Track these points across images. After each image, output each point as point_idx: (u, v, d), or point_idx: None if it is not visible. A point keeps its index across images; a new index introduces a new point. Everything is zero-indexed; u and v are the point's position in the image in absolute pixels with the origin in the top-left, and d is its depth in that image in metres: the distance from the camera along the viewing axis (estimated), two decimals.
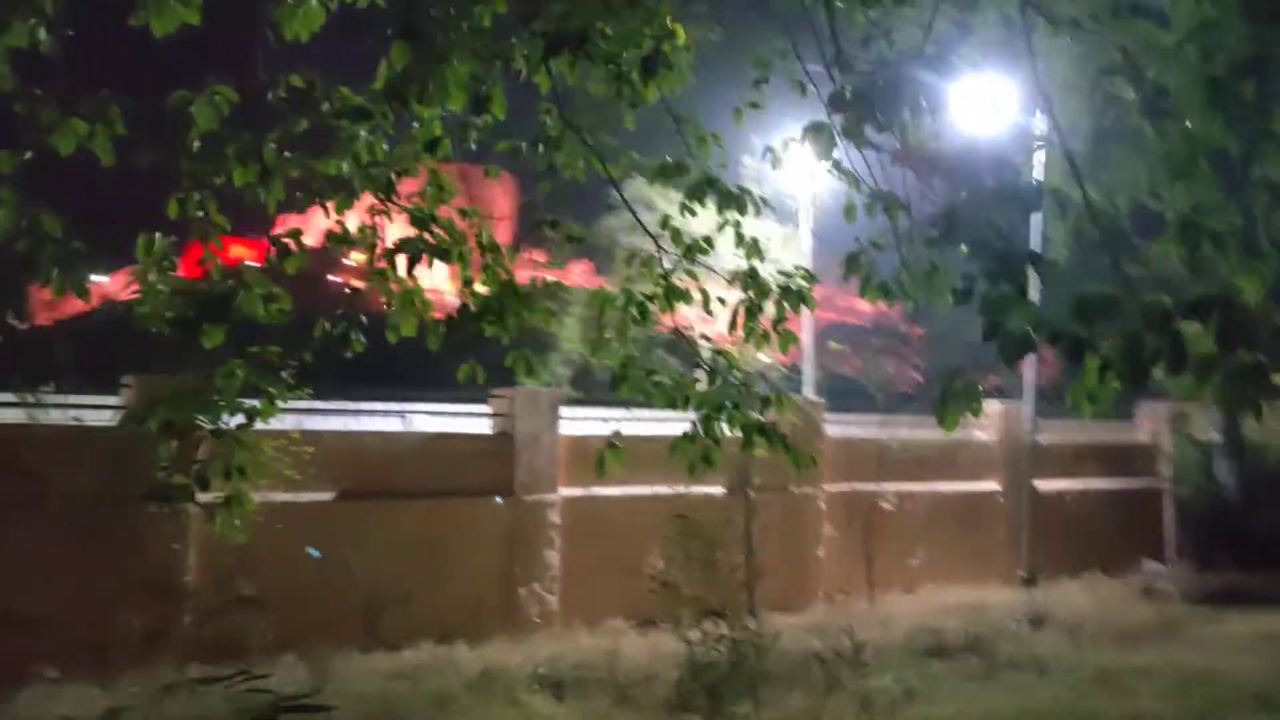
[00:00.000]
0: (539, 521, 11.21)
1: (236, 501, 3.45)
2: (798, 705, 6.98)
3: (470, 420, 11.53)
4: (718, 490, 12.44)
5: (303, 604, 9.50)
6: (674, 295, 4.53)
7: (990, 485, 15.04)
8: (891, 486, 13.99)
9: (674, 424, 12.24)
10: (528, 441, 11.27)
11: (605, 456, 4.67)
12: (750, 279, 4.56)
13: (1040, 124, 15.08)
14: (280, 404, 3.98)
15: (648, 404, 4.51)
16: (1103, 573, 15.29)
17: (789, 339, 4.67)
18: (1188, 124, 3.25)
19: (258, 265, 4.11)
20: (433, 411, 11.50)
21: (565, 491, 11.48)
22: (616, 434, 4.71)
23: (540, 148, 4.08)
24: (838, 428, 14.00)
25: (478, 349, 4.54)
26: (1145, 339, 2.67)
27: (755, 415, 4.43)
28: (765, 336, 4.64)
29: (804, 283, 4.59)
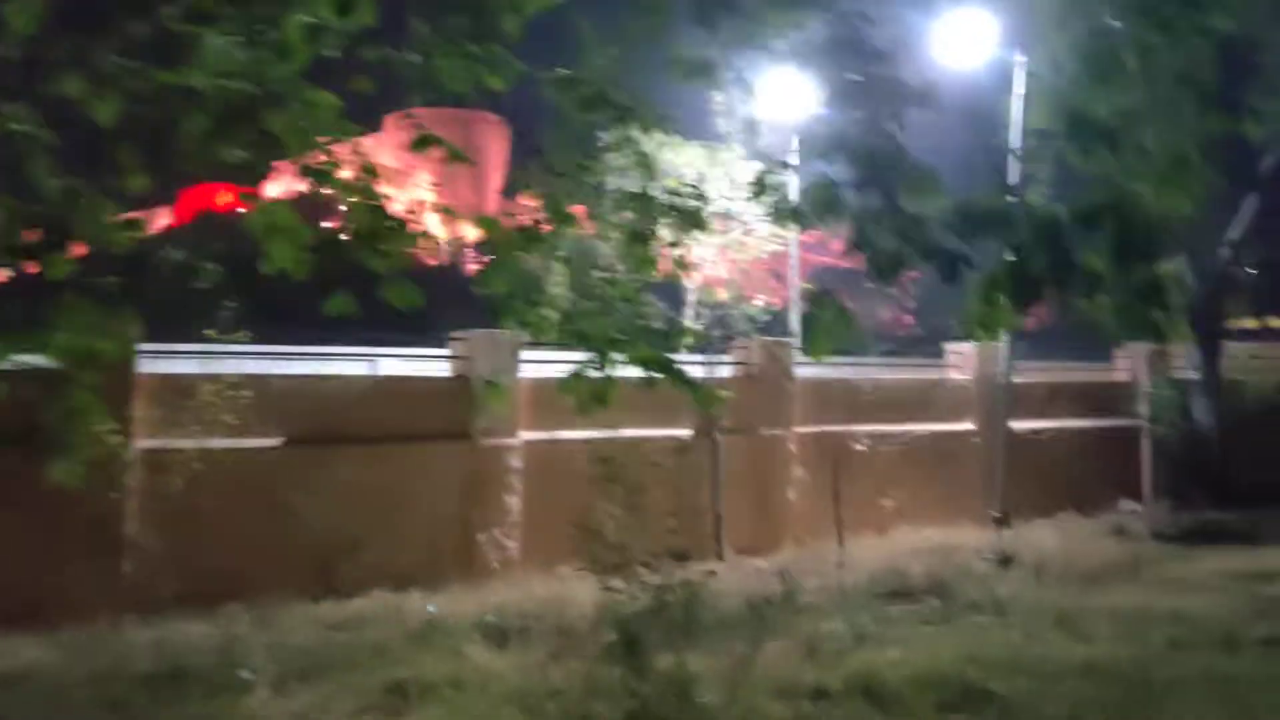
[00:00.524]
0: (498, 466, 10.98)
1: (77, 446, 3.15)
2: (733, 654, 6.72)
3: (429, 364, 11.27)
4: (684, 433, 12.23)
5: (250, 553, 9.32)
6: (564, 220, 4.20)
7: (965, 425, 14.83)
8: (864, 428, 13.79)
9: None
10: (484, 384, 10.99)
11: (578, 392, 4.29)
12: (638, 200, 4.24)
13: (1020, 58, 14.62)
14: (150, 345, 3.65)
15: (536, 337, 4.17)
16: (1078, 512, 15.15)
17: (682, 266, 4.36)
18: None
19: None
20: (389, 355, 11.24)
21: (526, 435, 11.23)
22: (504, 372, 4.36)
23: (417, 57, 3.74)
24: (810, 369, 13.74)
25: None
26: (1034, 254, 2.39)
27: (659, 350, 4.09)
28: (649, 262, 4.31)
29: (695, 203, 4.27)
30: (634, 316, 4.18)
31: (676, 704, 5.62)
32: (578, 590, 10.13)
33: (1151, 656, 6.79)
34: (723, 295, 36.43)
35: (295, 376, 10.26)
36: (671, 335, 4.31)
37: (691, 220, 4.35)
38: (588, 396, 4.02)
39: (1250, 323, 34.71)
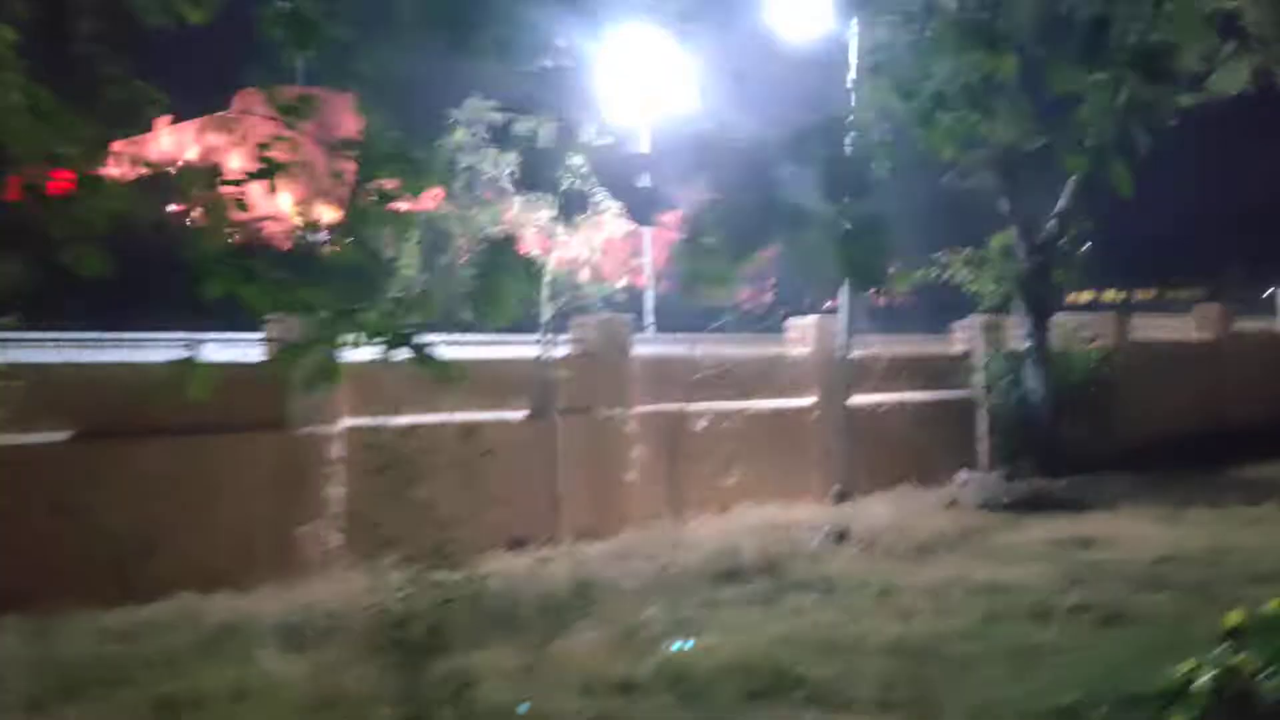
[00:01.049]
0: (317, 455, 10.40)
1: None
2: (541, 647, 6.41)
3: (245, 349, 10.58)
4: (517, 415, 11.86)
5: (34, 557, 8.58)
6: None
7: (806, 401, 14.82)
8: (704, 406, 13.62)
9: (486, 346, 11.48)
10: (301, 369, 10.38)
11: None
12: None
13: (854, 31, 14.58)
14: None
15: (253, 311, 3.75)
16: (919, 484, 15.35)
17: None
18: None
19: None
20: (198, 340, 10.49)
21: (350, 422, 10.67)
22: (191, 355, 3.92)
23: None
24: (649, 347, 13.51)
25: None
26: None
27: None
28: (378, 217, 3.93)
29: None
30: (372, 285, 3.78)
31: (455, 707, 5.26)
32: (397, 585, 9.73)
33: (966, 630, 6.74)
34: (579, 275, 35.97)
35: (84, 365, 9.51)
36: (418, 307, 3.93)
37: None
38: (315, 373, 3.60)
39: (1085, 295, 36.16)
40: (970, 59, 3.32)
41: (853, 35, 15.59)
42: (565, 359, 12.37)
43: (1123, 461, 14.95)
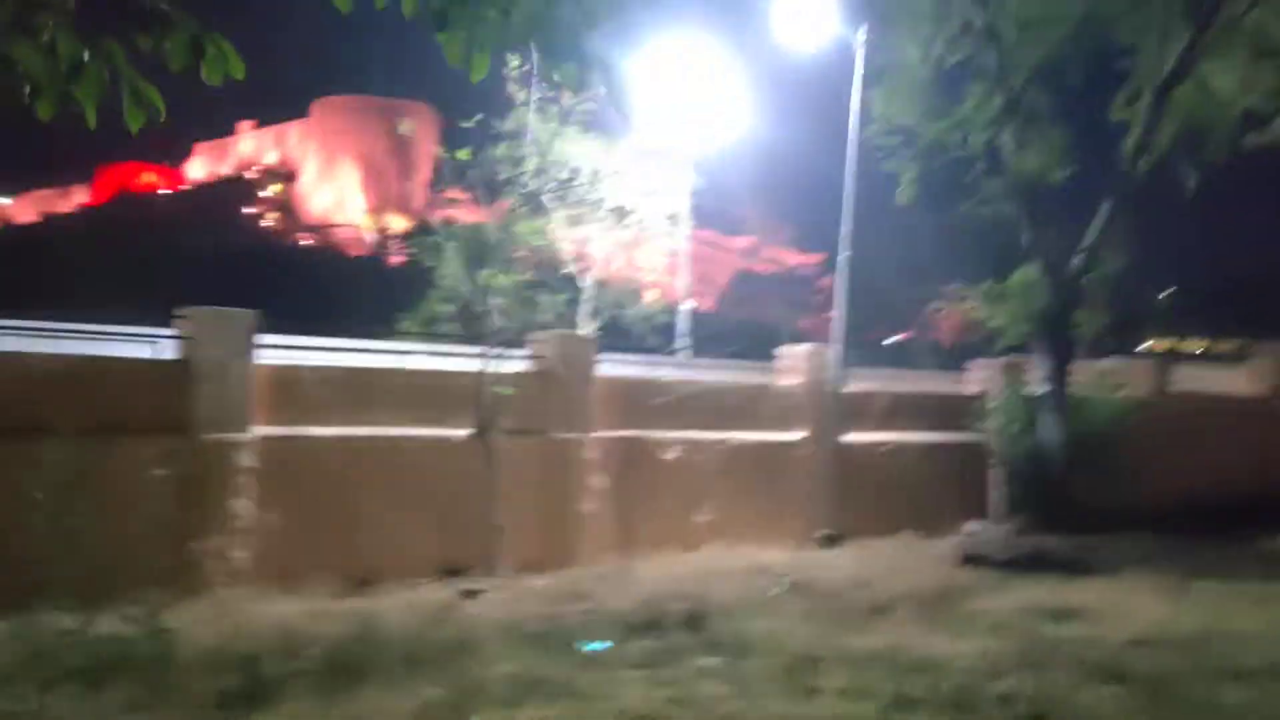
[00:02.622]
0: (223, 464, 9.56)
1: None
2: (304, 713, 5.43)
3: (146, 345, 9.83)
4: (458, 433, 10.94)
5: None
6: None
7: (794, 435, 13.71)
8: (676, 434, 12.59)
9: (405, 356, 10.56)
10: (211, 370, 9.58)
11: None
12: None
13: (862, 39, 13.50)
14: None
15: None
16: (919, 533, 14.16)
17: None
18: None
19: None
20: (96, 334, 9.78)
21: (263, 430, 9.84)
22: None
23: None
24: (617, 368, 12.52)
25: None
26: None
27: None
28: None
29: None
30: None
31: None
32: (287, 611, 8.87)
33: (854, 717, 5.64)
34: (623, 292, 34.89)
35: None
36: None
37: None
38: None
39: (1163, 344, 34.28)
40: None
41: (859, 45, 14.60)
42: (518, 375, 11.45)
43: (1144, 522, 13.55)
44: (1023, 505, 14.43)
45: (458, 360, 11.40)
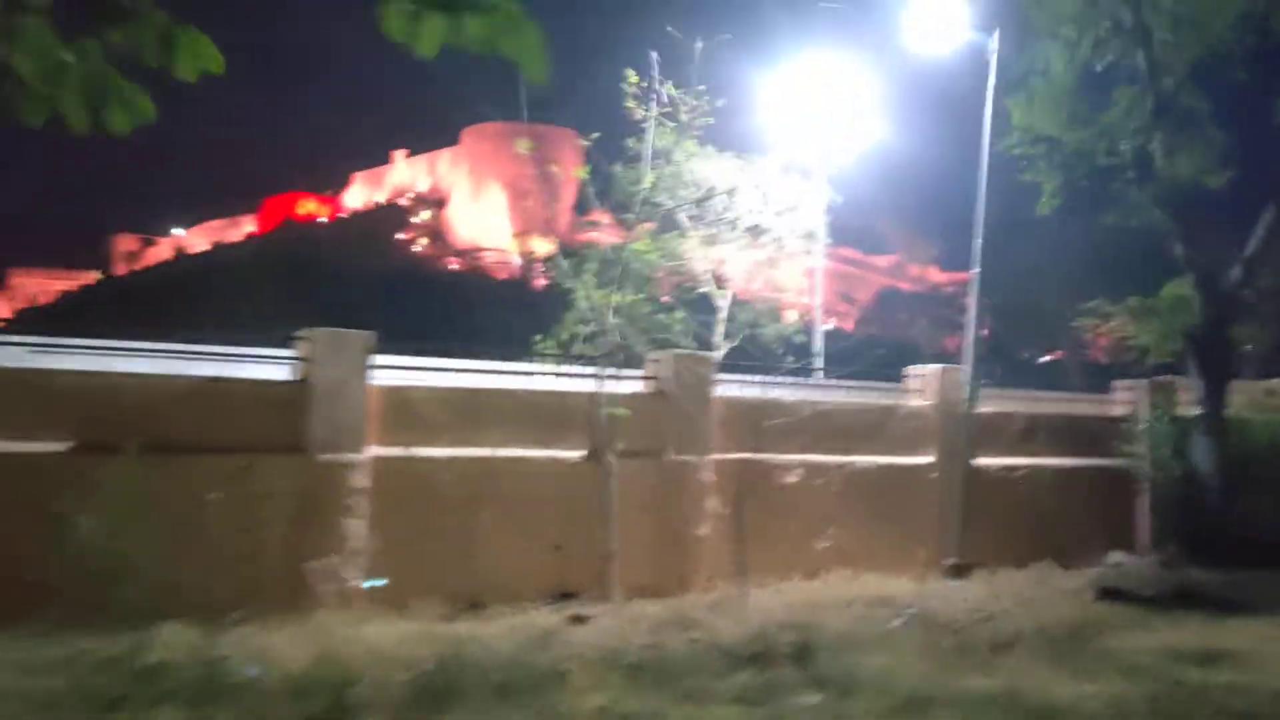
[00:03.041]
0: (337, 485, 9.67)
1: None
2: None
3: (267, 367, 10.05)
4: (573, 455, 10.84)
5: (14, 573, 8.18)
6: None
7: (923, 459, 13.15)
8: (799, 457, 12.22)
9: (522, 376, 10.56)
10: (327, 390, 9.73)
11: None
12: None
13: (995, 46, 12.92)
14: None
15: None
16: (1058, 563, 13.41)
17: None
18: None
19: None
20: (220, 355, 10.05)
21: (377, 451, 9.94)
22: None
23: None
24: (737, 389, 12.23)
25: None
26: None
27: None
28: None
29: None
30: None
31: None
32: (401, 631, 8.90)
33: None
34: (759, 311, 34.48)
35: (92, 374, 9.11)
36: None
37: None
38: None
39: None
40: None
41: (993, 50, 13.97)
42: (633, 396, 11.29)
43: None
44: (1172, 536, 13.50)
45: (575, 381, 11.34)
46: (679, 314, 15.07)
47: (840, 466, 12.48)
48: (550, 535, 10.70)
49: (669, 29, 10.79)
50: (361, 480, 9.78)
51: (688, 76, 11.87)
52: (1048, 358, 55.16)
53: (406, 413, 10.16)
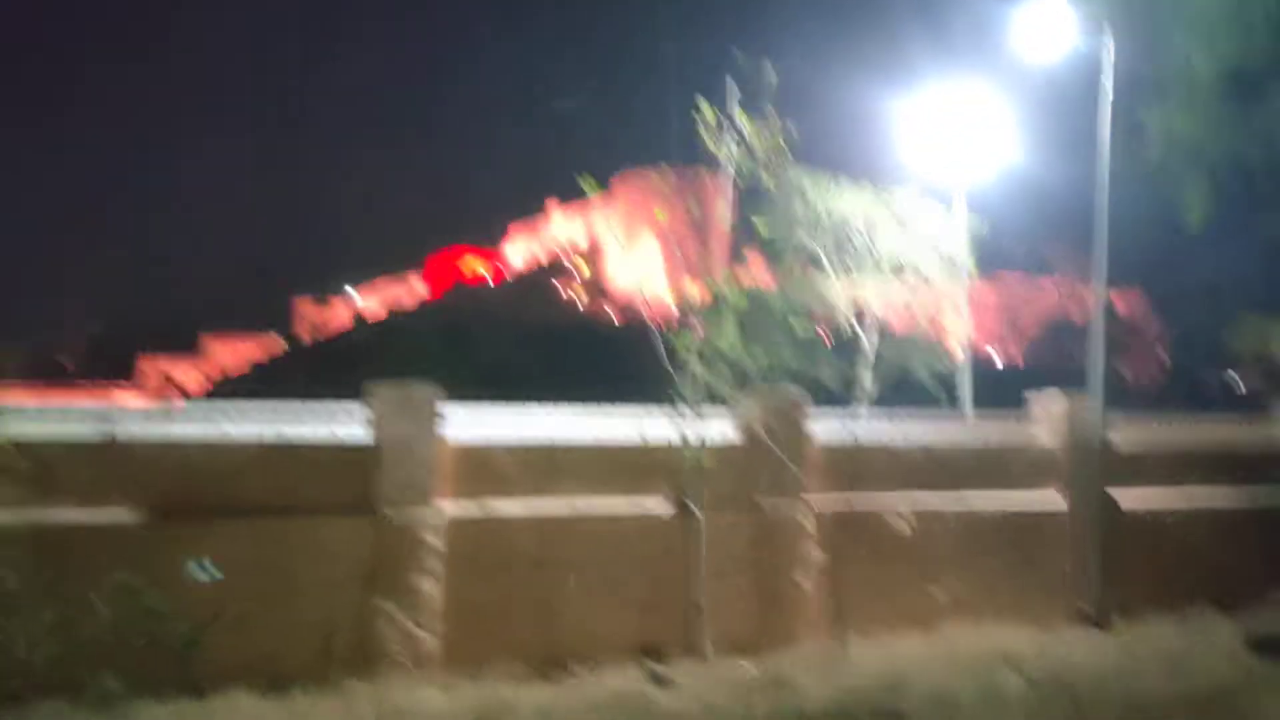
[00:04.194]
0: (410, 545, 9.43)
1: None
2: None
3: (336, 427, 9.93)
4: (657, 506, 10.33)
5: (78, 643, 8.19)
6: None
7: (1050, 498, 12.04)
8: (908, 500, 11.35)
9: (598, 426, 10.12)
10: (397, 449, 9.52)
11: None
12: None
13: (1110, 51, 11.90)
14: None
15: None
16: (1220, 609, 12.05)
17: None
18: None
19: None
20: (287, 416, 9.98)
21: (452, 509, 9.66)
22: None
23: None
24: (836, 428, 11.47)
25: None
26: None
27: None
28: None
29: None
30: None
31: None
32: (485, 694, 8.57)
33: None
34: (906, 346, 33.27)
35: (163, 442, 9.15)
36: None
37: None
38: None
39: None
40: None
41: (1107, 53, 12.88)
42: (722, 443, 10.70)
43: None
44: None
45: (661, 427, 10.79)
46: (823, 353, 14.30)
47: (956, 510, 11.53)
48: (636, 592, 10.19)
49: (735, 50, 10.19)
50: (435, 539, 9.50)
51: (777, 102, 11.02)
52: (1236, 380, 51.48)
53: (480, 468, 9.86)
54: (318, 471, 9.38)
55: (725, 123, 10.52)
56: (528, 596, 9.88)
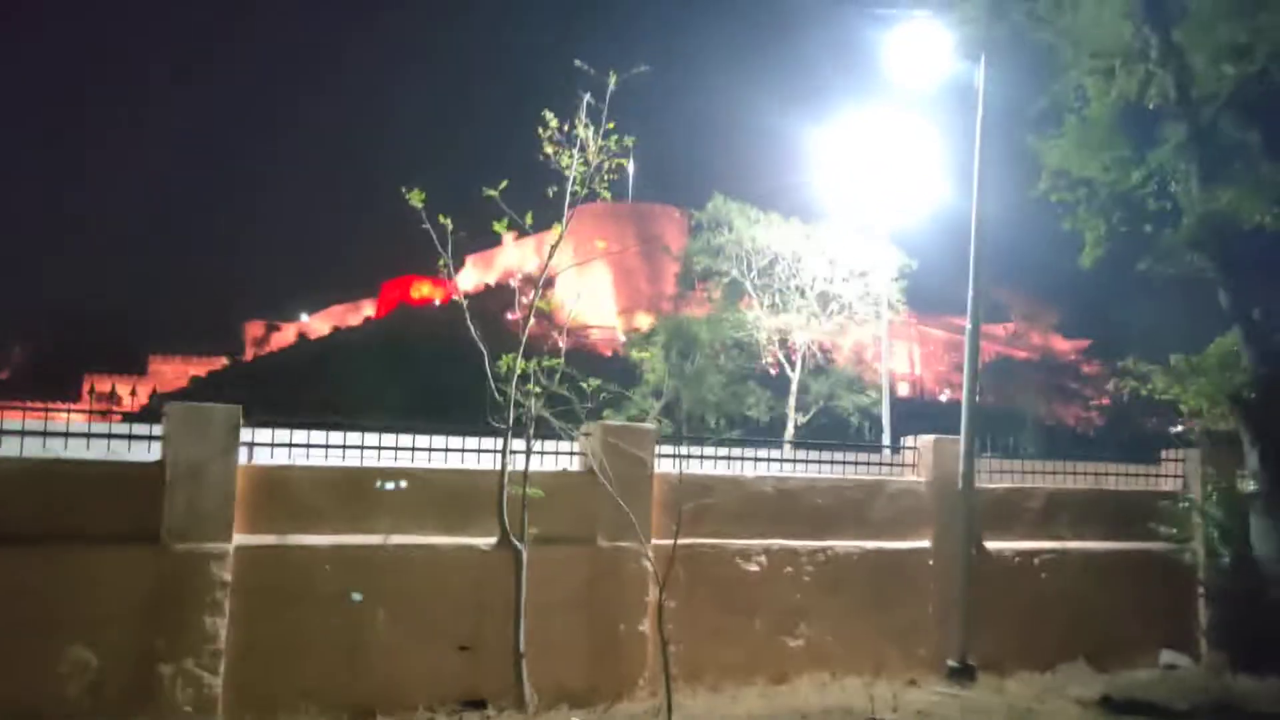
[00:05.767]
0: (197, 578, 8.56)
1: None
2: None
3: (124, 445, 9.09)
4: (482, 542, 9.55)
5: None
6: None
7: (918, 543, 11.41)
8: (764, 541, 10.67)
9: (418, 453, 9.30)
10: (185, 472, 8.67)
11: None
12: None
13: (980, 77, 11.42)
14: None
15: None
16: (1091, 664, 11.50)
17: None
18: None
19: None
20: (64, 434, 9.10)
21: (244, 540, 8.83)
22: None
23: None
24: (682, 465, 10.74)
25: None
26: None
27: None
28: None
29: None
30: None
31: None
32: None
33: None
34: (834, 381, 32.67)
35: None
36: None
37: None
38: None
39: None
40: None
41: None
42: (558, 475, 9.99)
43: None
44: (1222, 632, 11.41)
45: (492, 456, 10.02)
46: (751, 385, 13.60)
47: (814, 552, 10.87)
48: (455, 634, 9.39)
49: (578, 64, 9.55)
50: (225, 572, 8.66)
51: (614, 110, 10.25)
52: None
53: (281, 496, 9.06)
54: (94, 495, 8.52)
55: (564, 135, 9.91)
56: (331, 636, 9.04)
